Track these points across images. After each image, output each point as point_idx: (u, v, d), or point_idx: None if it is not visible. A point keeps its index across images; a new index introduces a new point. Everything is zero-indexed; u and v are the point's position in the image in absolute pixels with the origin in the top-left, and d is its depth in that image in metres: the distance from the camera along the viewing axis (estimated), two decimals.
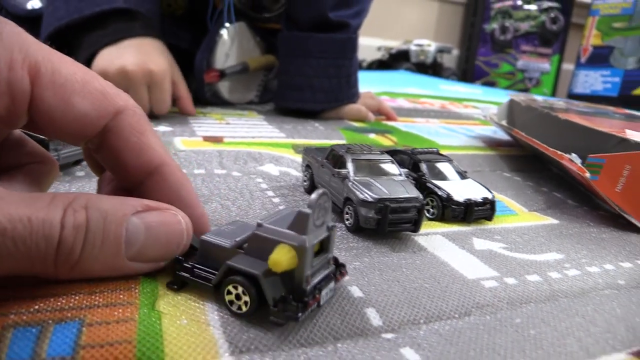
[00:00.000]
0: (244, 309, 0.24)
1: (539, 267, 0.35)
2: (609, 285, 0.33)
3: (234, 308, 0.24)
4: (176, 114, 0.77)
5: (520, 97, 0.86)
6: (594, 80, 2.23)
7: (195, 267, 0.25)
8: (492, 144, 0.81)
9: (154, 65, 0.67)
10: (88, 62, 0.67)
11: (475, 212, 0.41)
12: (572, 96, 2.28)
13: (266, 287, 0.23)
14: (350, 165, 0.38)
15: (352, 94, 0.90)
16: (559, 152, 0.50)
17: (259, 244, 0.24)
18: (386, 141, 0.74)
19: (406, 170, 0.42)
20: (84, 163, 0.47)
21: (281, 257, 0.22)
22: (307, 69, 0.85)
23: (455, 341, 0.25)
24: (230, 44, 0.89)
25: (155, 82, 0.68)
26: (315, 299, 0.24)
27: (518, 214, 0.46)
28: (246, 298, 0.23)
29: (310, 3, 0.82)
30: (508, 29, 2.56)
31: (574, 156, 0.47)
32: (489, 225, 0.42)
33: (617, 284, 0.34)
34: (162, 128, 0.66)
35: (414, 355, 0.23)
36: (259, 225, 0.24)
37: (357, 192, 0.35)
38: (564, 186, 0.58)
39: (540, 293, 0.31)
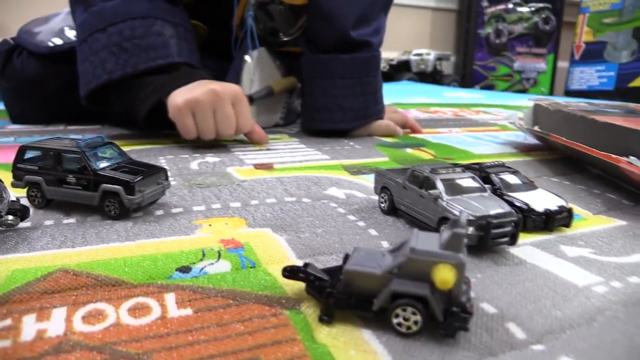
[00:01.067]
0: (414, 328, 0.25)
1: (633, 268, 0.36)
2: None
3: (403, 329, 0.25)
4: (215, 143, 0.78)
5: (544, 101, 0.88)
6: (589, 76, 2.28)
7: (348, 298, 0.27)
8: (523, 149, 0.83)
9: (234, 86, 0.73)
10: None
11: (556, 221, 0.42)
12: (569, 93, 2.32)
13: (435, 304, 0.24)
14: (440, 185, 0.39)
15: (378, 110, 0.92)
16: (614, 156, 0.52)
17: (414, 267, 0.26)
18: (425, 155, 0.76)
19: (489, 185, 0.43)
20: (160, 201, 0.49)
21: (447, 276, 0.24)
22: (333, 90, 0.87)
23: (600, 345, 0.26)
24: (254, 69, 0.91)
25: (239, 100, 0.73)
26: (472, 307, 0.26)
27: (586, 218, 0.48)
28: (416, 317, 0.25)
29: (331, 25, 0.84)
30: (502, 32, 2.61)
31: (632, 159, 0.49)
32: (568, 232, 0.43)
33: None
34: (211, 159, 0.68)
35: None
36: (413, 250, 0.26)
37: (456, 211, 0.36)
38: (612, 186, 0.60)
39: None
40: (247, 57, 0.89)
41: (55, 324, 0.27)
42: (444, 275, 0.25)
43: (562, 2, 2.59)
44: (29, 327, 0.27)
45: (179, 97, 0.70)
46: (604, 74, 2.25)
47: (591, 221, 0.47)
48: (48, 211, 0.46)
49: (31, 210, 0.45)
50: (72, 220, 0.44)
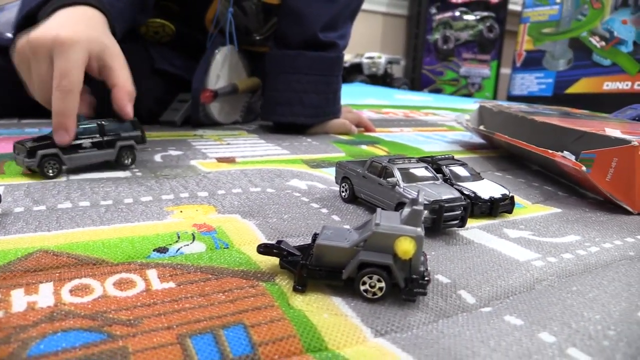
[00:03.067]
0: (379, 293, 0.29)
1: (566, 247, 0.41)
2: (623, 257, 0.40)
3: (369, 295, 0.29)
4: (176, 138, 0.80)
5: (489, 103, 0.94)
6: (529, 83, 2.41)
7: (319, 269, 0.30)
8: (469, 147, 0.89)
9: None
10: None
11: (500, 207, 0.47)
12: (511, 98, 2.45)
13: (397, 272, 0.28)
14: (397, 174, 0.43)
15: (337, 109, 0.95)
16: (550, 151, 0.57)
17: (379, 240, 0.29)
18: (378, 151, 0.80)
19: (440, 175, 0.47)
20: (128, 191, 0.50)
21: (408, 247, 0.28)
22: (296, 85, 0.89)
23: (539, 307, 0.30)
24: (221, 65, 0.93)
25: (115, 55, 0.58)
26: (429, 275, 0.29)
27: (526, 207, 0.53)
28: (380, 284, 0.28)
29: (301, 26, 0.87)
30: (449, 38, 2.72)
31: (566, 153, 0.54)
32: (510, 218, 0.48)
33: (629, 255, 0.40)
34: (174, 152, 0.69)
35: (516, 320, 0.28)
36: (377, 225, 0.29)
37: (411, 197, 0.40)
38: (549, 180, 0.66)
39: (578, 267, 0.37)
40: (216, 52, 0.91)
41: (44, 296, 0.29)
42: (405, 247, 0.28)
43: (505, 11, 2.73)
44: (19, 299, 0.28)
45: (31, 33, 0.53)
46: (542, 81, 2.39)
47: (530, 209, 0.52)
48: (17, 199, 0.46)
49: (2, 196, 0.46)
50: (42, 207, 0.44)
